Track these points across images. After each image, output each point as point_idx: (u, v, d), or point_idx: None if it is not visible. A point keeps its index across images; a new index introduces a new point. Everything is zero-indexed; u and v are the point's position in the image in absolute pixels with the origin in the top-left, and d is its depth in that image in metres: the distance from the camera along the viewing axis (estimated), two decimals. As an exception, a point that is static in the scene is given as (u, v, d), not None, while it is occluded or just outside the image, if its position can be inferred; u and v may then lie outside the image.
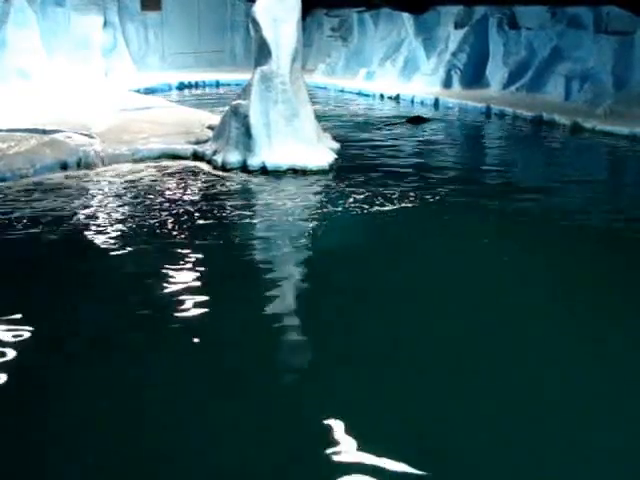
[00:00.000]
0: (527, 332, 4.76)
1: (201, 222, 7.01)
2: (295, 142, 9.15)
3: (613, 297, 5.34)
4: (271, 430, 3.65)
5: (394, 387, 4.06)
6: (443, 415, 3.77)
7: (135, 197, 7.92)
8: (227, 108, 9.66)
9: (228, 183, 8.56)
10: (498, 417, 3.76)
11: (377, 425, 3.67)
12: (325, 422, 3.62)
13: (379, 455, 3.34)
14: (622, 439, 3.58)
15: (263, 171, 8.91)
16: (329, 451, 3.41)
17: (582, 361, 4.39)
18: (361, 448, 3.41)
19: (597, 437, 3.60)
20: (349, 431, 3.54)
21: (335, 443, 3.45)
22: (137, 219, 7.09)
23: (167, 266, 5.80)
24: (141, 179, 8.74)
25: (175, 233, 6.68)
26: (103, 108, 13.10)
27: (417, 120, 13.38)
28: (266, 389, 4.06)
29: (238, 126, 9.17)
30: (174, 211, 7.37)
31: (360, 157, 10.13)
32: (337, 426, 3.58)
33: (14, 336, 4.57)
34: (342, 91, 17.98)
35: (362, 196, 7.85)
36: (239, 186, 8.45)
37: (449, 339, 4.62)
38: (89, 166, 9.24)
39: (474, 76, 16.23)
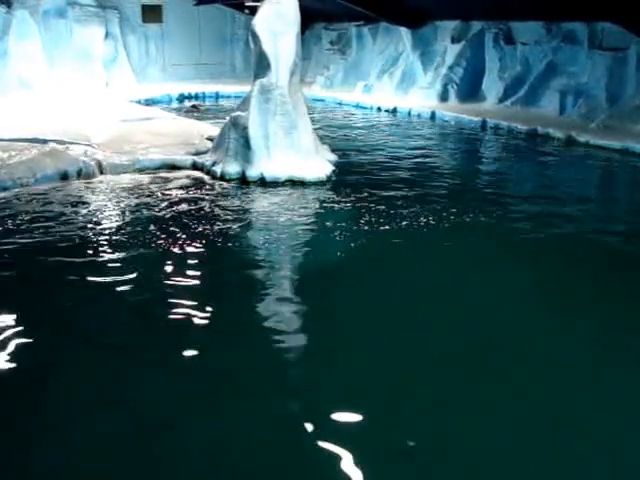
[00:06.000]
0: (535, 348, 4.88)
1: (199, 232, 7.09)
2: (293, 154, 9.28)
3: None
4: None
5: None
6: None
7: (134, 207, 8.02)
8: (226, 119, 9.80)
9: (227, 194, 8.68)
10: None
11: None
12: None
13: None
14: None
15: (262, 182, 9.04)
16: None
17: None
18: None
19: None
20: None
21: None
22: (136, 229, 7.19)
23: (163, 276, 5.90)
24: (141, 189, 8.85)
25: (173, 243, 6.76)
26: (104, 119, 13.23)
27: None
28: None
29: (237, 137, 9.30)
30: (173, 221, 7.48)
31: (357, 169, 10.25)
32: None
33: (15, 343, 4.69)
34: (340, 104, 18.18)
35: (358, 208, 7.97)
36: (238, 197, 8.56)
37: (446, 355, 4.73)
38: (89, 176, 9.36)
39: (470, 90, 16.44)
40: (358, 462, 3.43)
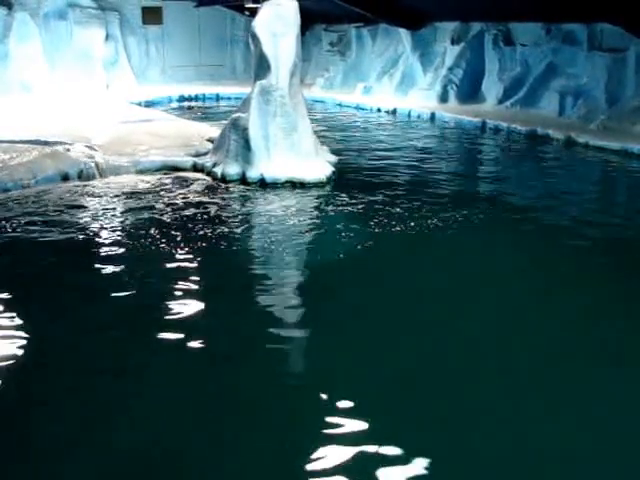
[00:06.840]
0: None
1: (200, 234, 7.10)
2: (293, 155, 9.30)
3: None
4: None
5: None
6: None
7: (134, 209, 8.04)
8: (227, 121, 9.82)
9: (227, 195, 8.71)
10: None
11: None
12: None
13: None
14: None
15: (262, 183, 9.06)
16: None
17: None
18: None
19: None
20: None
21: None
22: (137, 230, 7.21)
23: (163, 277, 5.93)
24: (141, 191, 8.87)
25: (173, 244, 6.77)
26: (104, 120, 13.26)
27: None
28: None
29: (237, 139, 9.32)
30: (173, 223, 7.50)
31: (357, 170, 10.27)
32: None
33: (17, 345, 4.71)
34: (340, 105, 18.21)
35: (358, 209, 7.99)
36: (238, 198, 8.59)
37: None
38: (90, 177, 9.38)
39: (470, 91, 16.47)
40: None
